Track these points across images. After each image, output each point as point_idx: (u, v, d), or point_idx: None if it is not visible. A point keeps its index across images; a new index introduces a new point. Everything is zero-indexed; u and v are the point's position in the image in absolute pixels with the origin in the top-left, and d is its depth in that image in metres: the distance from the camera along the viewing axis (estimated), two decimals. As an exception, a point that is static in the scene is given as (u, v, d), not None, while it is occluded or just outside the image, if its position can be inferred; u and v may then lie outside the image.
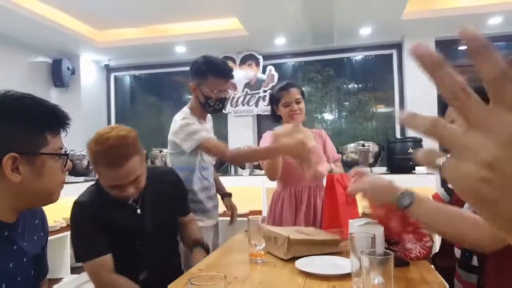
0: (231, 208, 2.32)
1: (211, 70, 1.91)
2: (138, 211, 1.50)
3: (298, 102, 2.12)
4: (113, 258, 1.42)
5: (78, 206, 1.44)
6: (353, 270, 1.07)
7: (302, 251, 1.37)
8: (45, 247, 1.14)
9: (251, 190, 3.72)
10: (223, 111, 4.49)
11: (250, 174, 3.81)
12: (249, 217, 1.40)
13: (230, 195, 2.36)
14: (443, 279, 1.21)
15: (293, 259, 1.33)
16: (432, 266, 1.35)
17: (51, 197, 1.01)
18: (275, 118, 2.24)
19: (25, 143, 0.91)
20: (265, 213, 3.37)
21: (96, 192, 1.47)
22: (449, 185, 1.46)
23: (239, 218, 3.48)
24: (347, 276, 1.13)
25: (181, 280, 1.23)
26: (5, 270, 0.91)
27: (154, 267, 1.48)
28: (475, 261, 1.21)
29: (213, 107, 1.98)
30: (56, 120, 0.98)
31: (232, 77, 2.02)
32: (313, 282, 1.16)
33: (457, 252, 1.31)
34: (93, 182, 1.55)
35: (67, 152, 1.02)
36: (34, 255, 1.02)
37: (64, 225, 3.31)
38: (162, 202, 1.57)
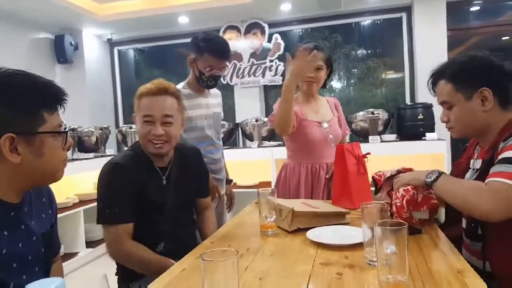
0: (230, 195, 2.37)
1: (208, 48, 1.93)
2: (164, 181, 1.51)
3: (318, 69, 1.95)
4: (134, 227, 1.41)
5: (113, 166, 1.42)
6: (365, 240, 1.06)
7: (306, 223, 1.37)
8: (55, 224, 1.13)
9: (260, 162, 3.73)
10: (230, 83, 4.47)
11: (259, 146, 3.80)
12: (259, 189, 1.39)
13: (231, 181, 2.40)
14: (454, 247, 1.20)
15: (303, 230, 1.33)
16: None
17: (55, 176, 0.99)
18: None
19: (21, 122, 0.89)
20: (274, 185, 3.37)
21: (132, 156, 1.48)
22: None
23: (249, 190, 3.53)
24: (359, 246, 1.13)
25: (193, 253, 1.23)
26: (15, 250, 0.91)
27: (172, 239, 1.49)
28: (480, 231, 1.21)
29: (206, 82, 2.02)
30: (51, 96, 0.95)
31: (228, 57, 2.03)
32: (325, 252, 1.16)
33: (464, 222, 1.30)
34: (127, 148, 1.58)
35: (66, 129, 1.00)
36: (43, 233, 1.02)
37: (77, 201, 3.37)
38: (185, 178, 1.58)
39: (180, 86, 2.05)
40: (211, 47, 1.93)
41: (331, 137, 2.01)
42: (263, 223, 1.38)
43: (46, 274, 1.05)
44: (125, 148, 1.60)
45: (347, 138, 2.22)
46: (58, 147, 0.97)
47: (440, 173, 1.21)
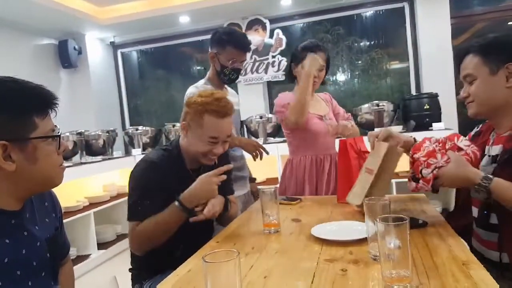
0: (255, 193, 2.34)
1: (230, 40, 1.98)
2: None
3: (320, 69, 2.02)
4: None
5: (150, 165, 1.42)
6: (369, 235, 1.06)
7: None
8: (60, 227, 1.13)
9: (266, 158, 3.72)
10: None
11: (264, 143, 3.80)
12: (261, 188, 1.40)
13: (254, 180, 2.39)
14: (462, 239, 1.19)
15: (307, 227, 1.33)
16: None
17: (52, 181, 0.99)
18: (291, 79, 2.15)
19: (12, 129, 0.88)
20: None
21: (167, 157, 1.48)
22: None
23: (257, 186, 3.52)
24: (363, 241, 1.13)
25: (199, 254, 1.25)
26: (18, 257, 0.91)
27: (191, 242, 1.44)
28: (493, 219, 1.19)
29: (228, 76, 2.05)
30: (42, 101, 0.94)
31: (249, 50, 2.09)
32: (330, 248, 1.16)
33: (474, 211, 1.28)
34: (162, 147, 1.55)
35: (59, 133, 0.99)
36: (48, 238, 1.02)
37: (87, 204, 3.41)
38: None
39: (201, 82, 2.09)
40: (234, 40, 1.98)
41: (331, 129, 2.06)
42: (265, 222, 1.38)
43: (53, 278, 1.05)
44: (161, 147, 1.57)
45: (352, 121, 2.19)
46: (53, 152, 0.96)
47: (488, 188, 1.12)
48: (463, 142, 1.25)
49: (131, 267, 1.56)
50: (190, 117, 1.45)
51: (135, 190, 1.41)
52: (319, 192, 2.04)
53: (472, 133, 1.44)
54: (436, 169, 1.21)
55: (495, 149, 1.25)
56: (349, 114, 2.29)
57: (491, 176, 1.13)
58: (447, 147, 1.24)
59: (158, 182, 1.39)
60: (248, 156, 2.17)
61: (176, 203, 1.35)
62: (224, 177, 1.41)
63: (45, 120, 0.94)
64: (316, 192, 2.04)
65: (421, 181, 1.24)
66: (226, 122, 1.45)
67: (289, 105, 2.00)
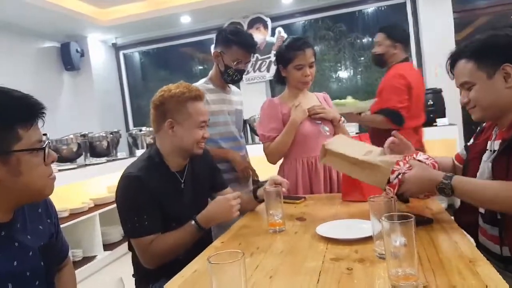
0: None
1: (237, 40, 1.92)
2: (182, 185, 1.51)
3: (311, 66, 1.94)
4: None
5: (133, 179, 1.37)
6: (375, 233, 1.06)
7: (338, 165, 1.47)
8: (56, 232, 1.10)
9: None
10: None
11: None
12: (265, 187, 1.39)
13: (257, 182, 2.26)
14: (468, 235, 1.19)
15: (312, 226, 1.33)
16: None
17: (41, 193, 0.95)
18: (281, 80, 2.05)
19: None
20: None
21: (148, 166, 1.43)
22: (468, 144, 1.42)
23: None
24: (369, 239, 1.12)
25: (204, 254, 1.24)
26: (10, 270, 0.89)
27: (193, 246, 1.44)
28: (500, 214, 1.18)
29: (231, 76, 2.00)
30: (26, 111, 0.88)
31: (254, 52, 2.04)
32: (335, 247, 1.16)
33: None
34: (142, 157, 1.50)
35: (47, 143, 0.93)
36: (41, 246, 0.99)
37: (92, 205, 3.42)
38: (199, 179, 1.59)
39: (202, 81, 2.05)
40: (241, 40, 1.92)
41: (325, 128, 1.98)
42: (270, 221, 1.38)
43: (49, 286, 1.02)
44: (139, 156, 1.53)
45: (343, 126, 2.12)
46: (39, 164, 0.91)
47: (450, 184, 1.14)
48: (421, 156, 1.31)
49: (134, 272, 1.55)
50: (172, 112, 1.45)
51: (127, 209, 1.38)
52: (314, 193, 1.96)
53: (477, 131, 1.44)
54: (401, 175, 1.24)
55: (496, 144, 1.24)
56: (341, 117, 2.19)
57: (450, 174, 1.17)
58: (407, 159, 1.29)
59: (146, 195, 1.36)
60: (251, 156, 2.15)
61: (193, 222, 1.38)
62: (239, 201, 1.43)
63: (30, 131, 0.89)
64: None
65: (387, 186, 1.28)
66: (203, 104, 1.51)
67: (271, 145, 1.96)
